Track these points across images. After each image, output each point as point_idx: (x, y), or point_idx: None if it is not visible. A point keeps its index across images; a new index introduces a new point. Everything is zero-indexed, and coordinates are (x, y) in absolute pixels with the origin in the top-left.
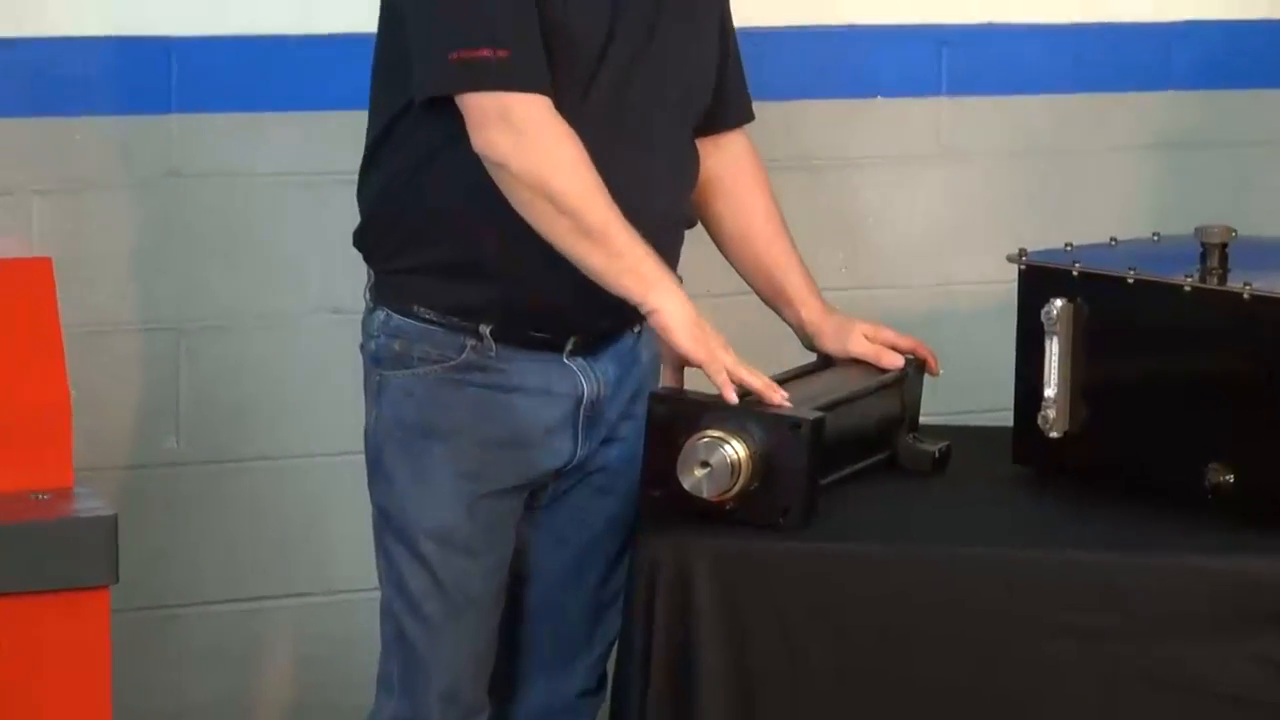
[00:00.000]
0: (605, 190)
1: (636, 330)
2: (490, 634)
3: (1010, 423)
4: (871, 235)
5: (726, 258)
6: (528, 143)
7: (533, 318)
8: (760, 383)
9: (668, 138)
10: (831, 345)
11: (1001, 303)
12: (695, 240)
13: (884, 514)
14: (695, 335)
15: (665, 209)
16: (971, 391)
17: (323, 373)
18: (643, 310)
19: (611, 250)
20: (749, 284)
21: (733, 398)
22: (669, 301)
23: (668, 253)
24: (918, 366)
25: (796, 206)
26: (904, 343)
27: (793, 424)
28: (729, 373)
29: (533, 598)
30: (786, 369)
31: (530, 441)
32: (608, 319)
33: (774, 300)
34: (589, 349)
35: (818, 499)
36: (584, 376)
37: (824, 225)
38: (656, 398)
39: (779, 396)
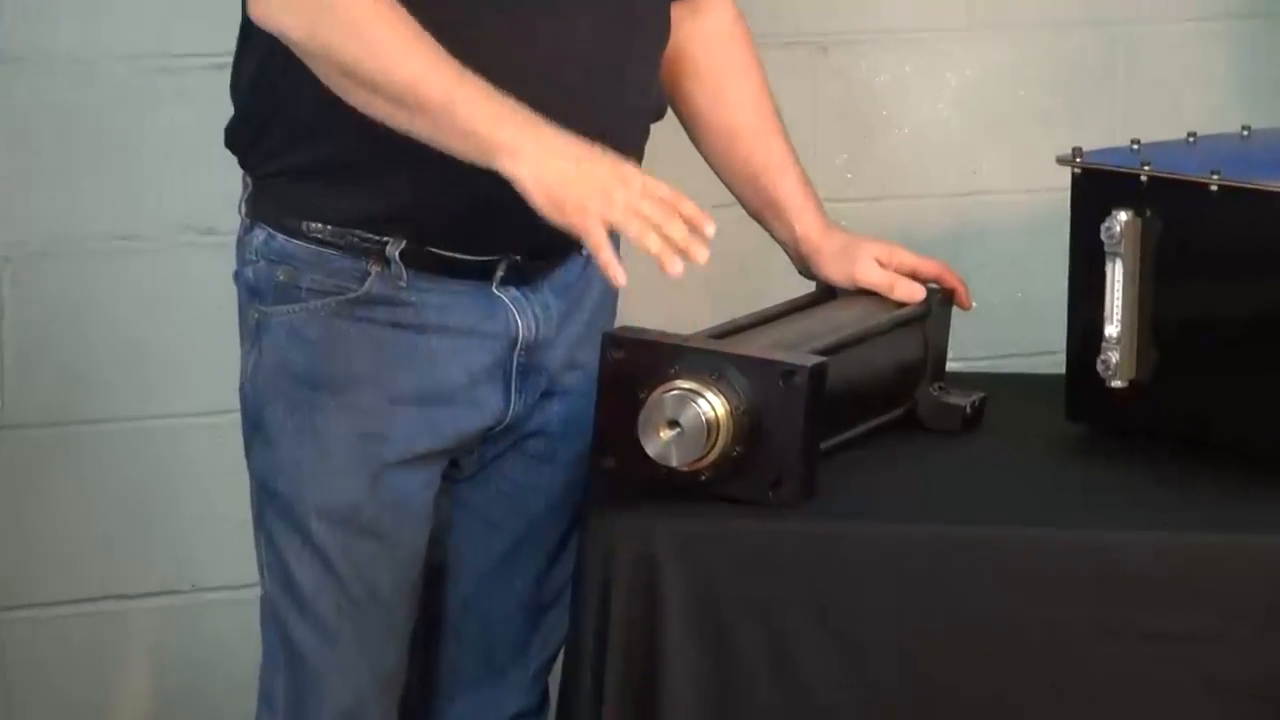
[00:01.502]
0: (418, 38)
1: (586, 253)
2: (401, 641)
3: (1061, 369)
4: (884, 132)
5: (704, 156)
6: (299, 3)
7: (453, 232)
8: (683, 215)
9: None
10: (834, 272)
11: (1050, 217)
12: (663, 136)
13: (901, 486)
14: (554, 195)
15: (615, 92)
16: (1012, 329)
17: (186, 311)
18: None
19: (431, 111)
20: (731, 190)
21: (617, 276)
22: (522, 162)
23: (627, 152)
24: (943, 298)
25: (791, 95)
26: (926, 268)
27: (786, 371)
28: (620, 221)
29: (454, 596)
30: (776, 302)
31: (450, 395)
32: (550, 233)
33: (761, 212)
34: (525, 276)
35: (817, 468)
36: (518, 311)
37: (825, 119)
38: (611, 339)
39: (704, 229)
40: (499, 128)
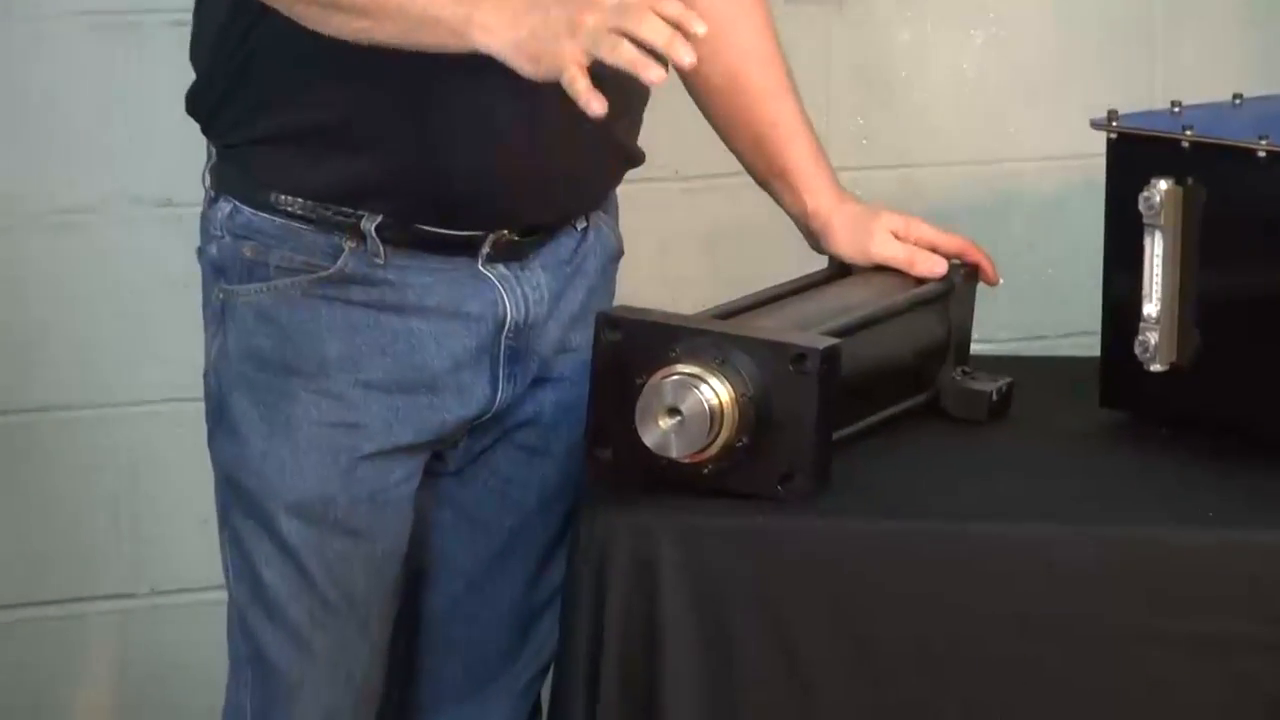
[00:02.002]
0: None
1: (582, 226)
2: (379, 651)
3: (1095, 352)
4: (904, 94)
5: (703, 112)
6: None
7: (436, 205)
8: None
9: None
10: (848, 246)
11: (1083, 185)
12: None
13: (922, 479)
14: (531, 53)
15: None
16: (1042, 309)
17: (145, 289)
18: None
19: (389, 9)
20: (734, 152)
21: (591, 103)
22: (495, 33)
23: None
24: (967, 275)
25: (802, 54)
26: (948, 243)
27: (796, 355)
28: (592, 46)
29: (438, 601)
30: (786, 280)
31: (432, 382)
32: (542, 205)
33: (769, 180)
34: (515, 252)
35: (830, 460)
36: (506, 290)
37: (839, 80)
38: (606, 320)
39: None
40: (460, 5)
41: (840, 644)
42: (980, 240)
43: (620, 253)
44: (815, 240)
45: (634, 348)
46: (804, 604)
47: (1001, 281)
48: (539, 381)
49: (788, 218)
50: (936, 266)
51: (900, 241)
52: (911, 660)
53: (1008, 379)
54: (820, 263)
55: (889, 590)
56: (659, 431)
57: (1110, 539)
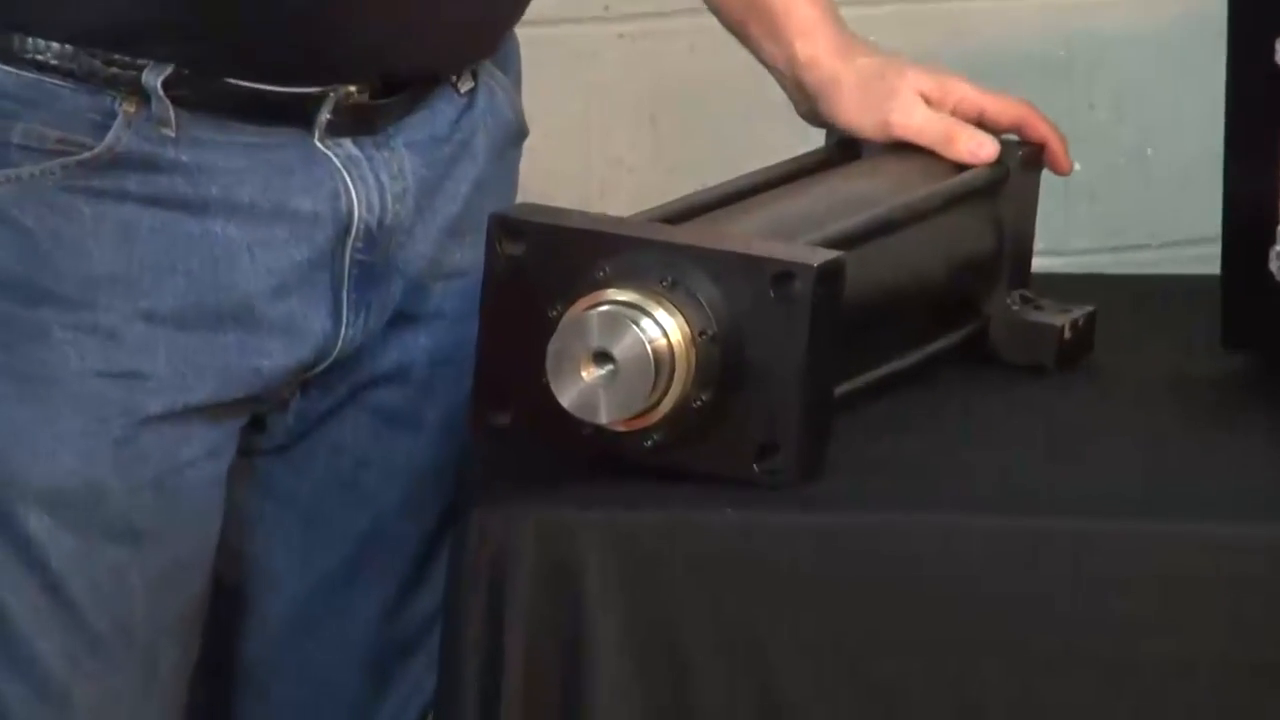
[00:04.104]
0: None
1: (467, 88)
2: (173, 706)
3: (1214, 268)
4: None
5: None
6: None
7: (249, 47)
8: None
9: None
10: (858, 115)
11: (1198, 28)
12: None
13: (959, 457)
14: None
15: None
16: (1136, 207)
17: None
18: None
19: None
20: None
21: None
22: None
23: None
24: (1028, 159)
25: None
26: (1002, 110)
27: (779, 274)
28: None
29: (259, 635)
30: (767, 164)
31: (244, 312)
32: (408, 47)
33: (744, 22)
34: (366, 121)
35: (828, 428)
36: (354, 178)
37: None
38: (503, 225)
39: None
40: None
41: (833, 681)
42: (1047, 109)
43: (523, 131)
44: (810, 106)
45: (544, 266)
46: (786, 628)
47: (1077, 167)
48: (405, 319)
49: (769, 75)
50: (983, 146)
51: (934, 109)
52: (930, 708)
53: (1087, 308)
54: (815, 141)
55: (905, 608)
56: (582, 387)
57: (1229, 541)
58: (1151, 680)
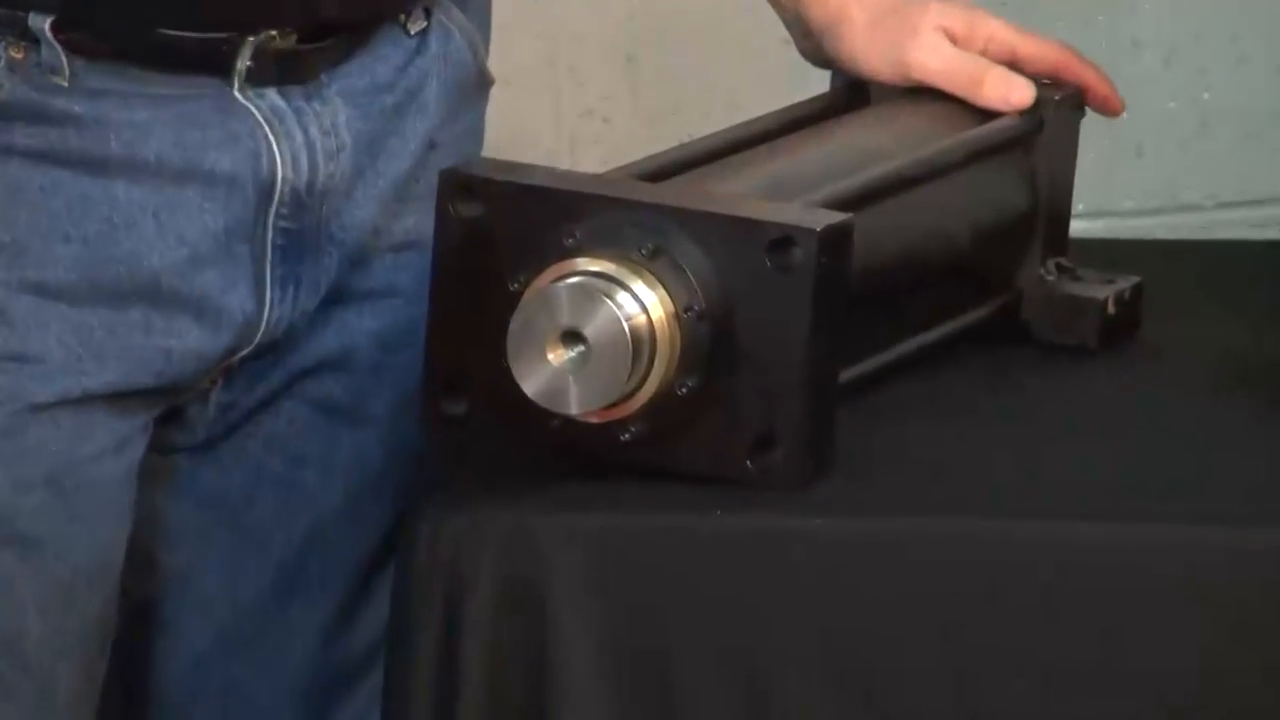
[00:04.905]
0: None
1: (418, 27)
2: None
3: None
4: None
5: None
6: None
7: None
8: None
9: None
10: (873, 54)
11: None
12: None
13: (984, 453)
14: None
15: None
16: (1193, 162)
17: None
18: None
19: None
20: None
21: None
22: None
23: None
24: (1066, 104)
25: None
26: (1038, 52)
27: (777, 239)
28: None
29: (176, 659)
30: (763, 113)
31: (151, 286)
32: None
33: None
34: (294, 68)
35: (833, 418)
36: (278, 135)
37: None
38: (458, 184)
39: None
40: None
41: (837, 707)
42: (1090, 51)
43: (485, 79)
44: (816, 44)
45: (505, 231)
46: (787, 645)
47: (1125, 114)
48: (345, 296)
49: (763, 7)
50: (1016, 89)
51: (961, 48)
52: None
53: (1134, 279)
54: (818, 85)
55: (921, 631)
56: (549, 371)
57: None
58: (1181, 693)
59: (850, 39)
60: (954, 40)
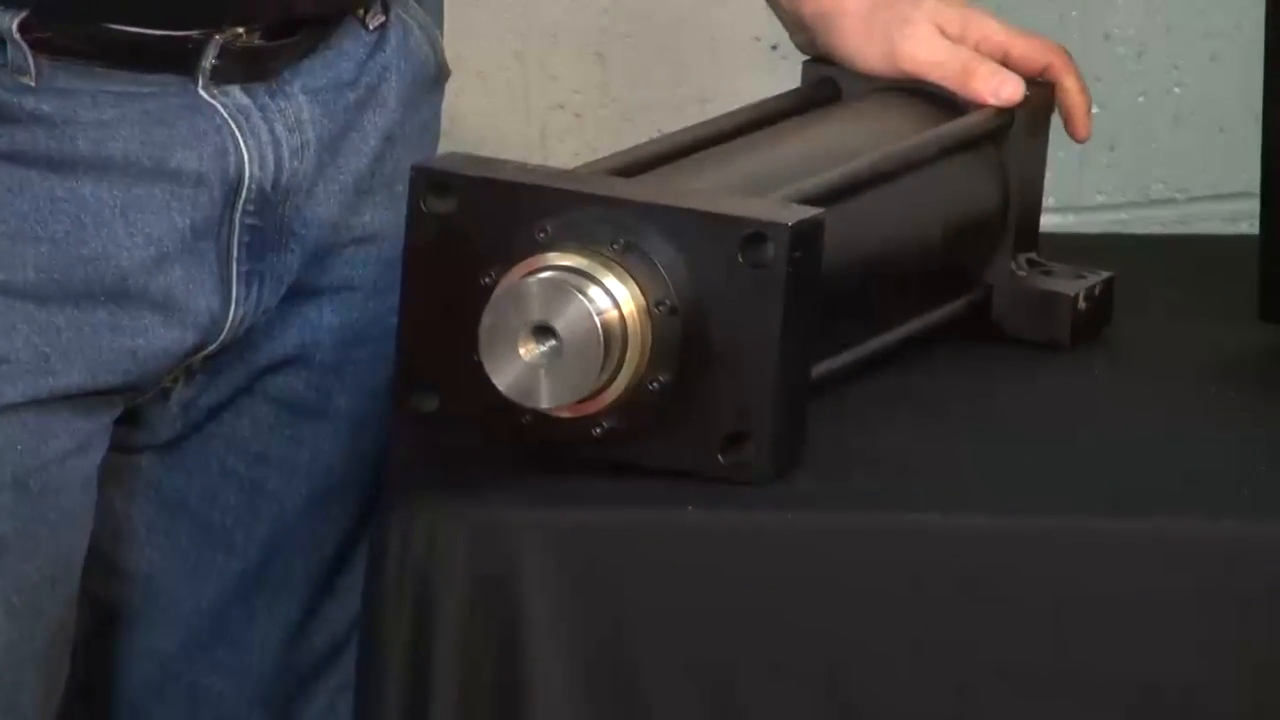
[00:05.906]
0: None
1: (377, 22)
2: None
3: (1251, 228)
4: None
5: None
6: None
7: None
8: None
9: None
10: (865, 47)
11: None
12: None
13: (956, 449)
14: None
15: None
16: (1165, 156)
17: None
18: None
19: None
20: None
21: None
22: None
23: None
24: (1037, 100)
25: None
26: (1029, 54)
27: (750, 235)
28: None
29: (141, 663)
30: (742, 105)
31: (118, 286)
32: None
33: None
34: (257, 65)
35: (804, 414)
36: (244, 132)
37: None
38: (428, 179)
39: None
40: None
41: (811, 709)
42: (1064, 44)
43: (443, 73)
44: (811, 37)
45: (476, 226)
46: (758, 645)
47: (1097, 108)
48: (306, 292)
49: (734, 4)
50: (1006, 85)
51: (953, 43)
52: None
53: (1104, 274)
54: (790, 80)
55: (895, 628)
56: (520, 366)
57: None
58: (1169, 697)
59: (844, 31)
60: (945, 34)
